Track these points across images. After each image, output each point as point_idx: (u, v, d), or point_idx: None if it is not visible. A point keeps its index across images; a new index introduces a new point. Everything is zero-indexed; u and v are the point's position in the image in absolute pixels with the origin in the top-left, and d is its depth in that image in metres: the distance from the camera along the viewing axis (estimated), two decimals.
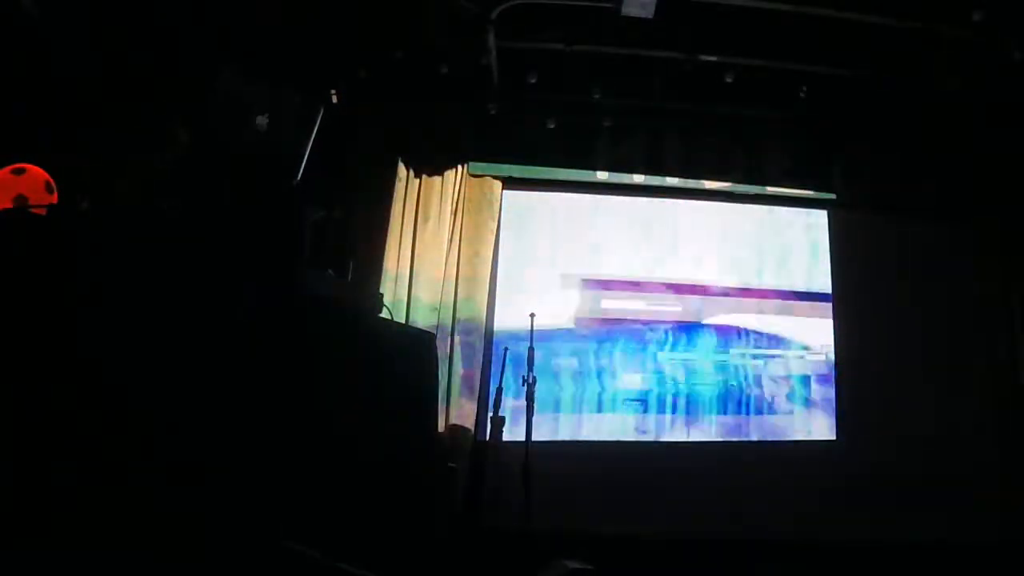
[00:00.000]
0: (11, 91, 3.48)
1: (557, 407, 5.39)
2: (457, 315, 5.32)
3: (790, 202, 5.88)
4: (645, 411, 5.45)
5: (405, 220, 5.41)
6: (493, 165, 5.64)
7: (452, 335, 5.26)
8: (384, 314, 4.54)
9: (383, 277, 5.24)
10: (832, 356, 5.61)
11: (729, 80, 5.04)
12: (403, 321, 5.06)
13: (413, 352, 3.86)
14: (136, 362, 2.44)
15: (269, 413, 2.62)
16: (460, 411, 5.12)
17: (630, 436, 5.39)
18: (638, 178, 5.76)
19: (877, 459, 5.30)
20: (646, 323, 5.58)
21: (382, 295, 4.97)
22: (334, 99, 4.80)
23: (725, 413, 5.50)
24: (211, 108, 3.23)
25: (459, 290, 5.37)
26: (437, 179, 5.52)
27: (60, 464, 2.27)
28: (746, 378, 5.57)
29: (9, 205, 2.96)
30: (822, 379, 5.60)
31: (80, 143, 3.37)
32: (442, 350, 5.05)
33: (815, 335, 5.65)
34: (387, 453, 3.08)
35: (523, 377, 4.73)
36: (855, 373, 5.56)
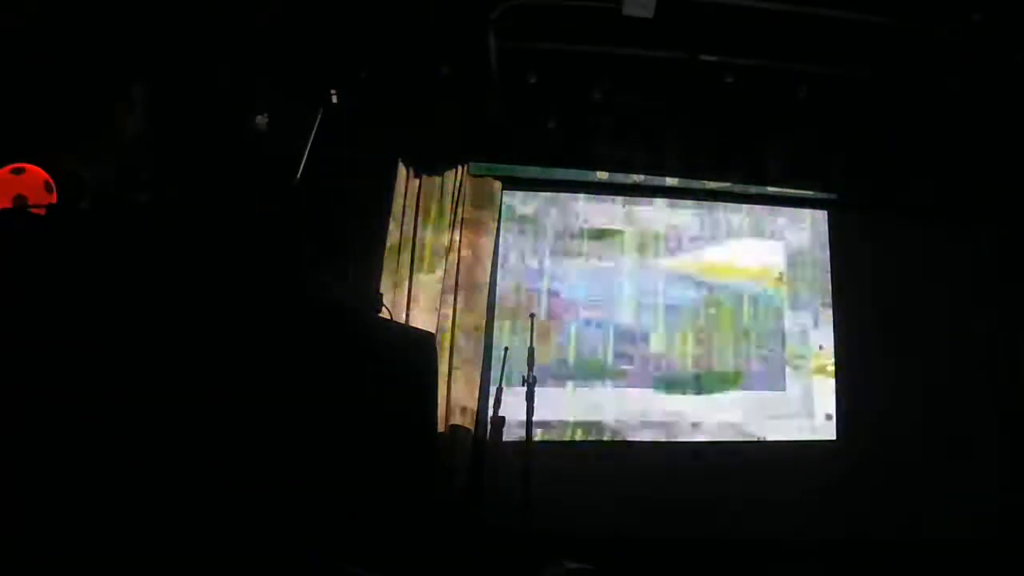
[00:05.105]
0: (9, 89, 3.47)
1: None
2: (457, 315, 5.31)
3: (790, 202, 5.88)
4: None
5: (405, 220, 5.40)
6: (493, 165, 5.63)
7: (452, 335, 5.26)
8: (384, 314, 4.55)
9: (383, 277, 5.23)
10: (832, 355, 5.61)
11: (729, 80, 5.04)
12: (403, 321, 5.06)
13: (413, 352, 3.87)
14: (136, 362, 2.44)
15: (269, 413, 2.62)
16: (460, 411, 5.11)
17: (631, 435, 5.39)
18: (638, 178, 5.77)
19: (877, 459, 5.29)
20: None
21: (382, 295, 4.98)
22: (334, 99, 4.80)
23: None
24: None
25: (459, 290, 5.36)
26: (437, 179, 5.52)
27: (58, 462, 2.27)
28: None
29: (9, 205, 2.96)
30: (821, 378, 5.59)
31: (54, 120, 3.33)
32: (442, 350, 5.05)
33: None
34: (387, 453, 3.08)
35: (523, 377, 4.73)
36: (855, 373, 5.56)
